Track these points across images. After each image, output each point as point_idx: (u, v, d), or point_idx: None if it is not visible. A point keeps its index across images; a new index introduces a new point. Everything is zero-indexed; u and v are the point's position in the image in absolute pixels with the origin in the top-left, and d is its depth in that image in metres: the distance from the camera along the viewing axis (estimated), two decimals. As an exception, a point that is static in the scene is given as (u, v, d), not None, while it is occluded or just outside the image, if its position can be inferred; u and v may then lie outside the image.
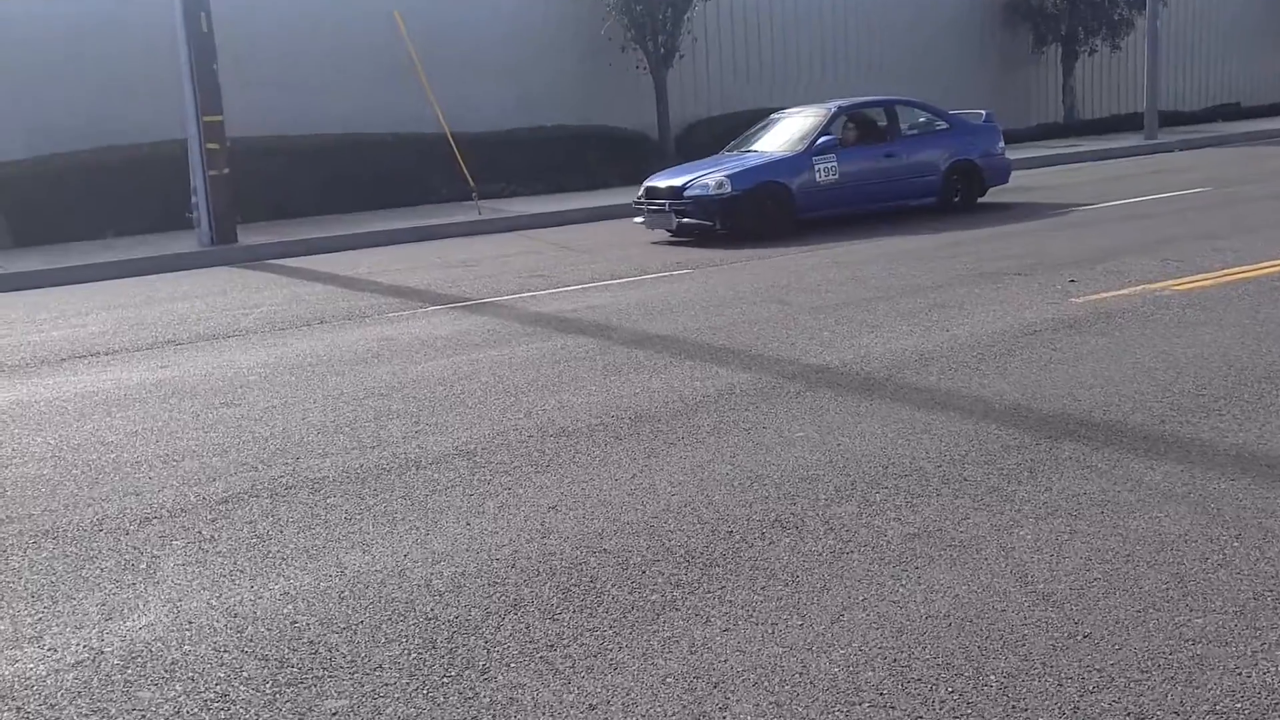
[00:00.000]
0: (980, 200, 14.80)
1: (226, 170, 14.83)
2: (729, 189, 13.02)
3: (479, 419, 6.04)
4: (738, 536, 4.16)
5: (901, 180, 14.07)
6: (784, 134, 14.23)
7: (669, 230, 13.51)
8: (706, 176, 13.26)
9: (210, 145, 14.49)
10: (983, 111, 15.35)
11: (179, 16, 14.13)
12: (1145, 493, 4.34)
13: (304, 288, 11.71)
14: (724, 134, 23.07)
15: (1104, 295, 8.33)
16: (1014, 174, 20.71)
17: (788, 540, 4.10)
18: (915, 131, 14.59)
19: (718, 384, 6.46)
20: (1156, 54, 25.58)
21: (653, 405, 6.09)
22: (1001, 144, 15.14)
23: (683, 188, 13.30)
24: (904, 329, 7.61)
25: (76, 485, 5.31)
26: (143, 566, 4.28)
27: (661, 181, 13.83)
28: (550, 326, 8.70)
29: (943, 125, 14.69)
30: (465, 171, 17.22)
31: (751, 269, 11.04)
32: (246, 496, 5.00)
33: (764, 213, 13.07)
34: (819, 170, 13.42)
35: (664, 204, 13.43)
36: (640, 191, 14.04)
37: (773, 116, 15.24)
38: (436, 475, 5.11)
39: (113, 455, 5.79)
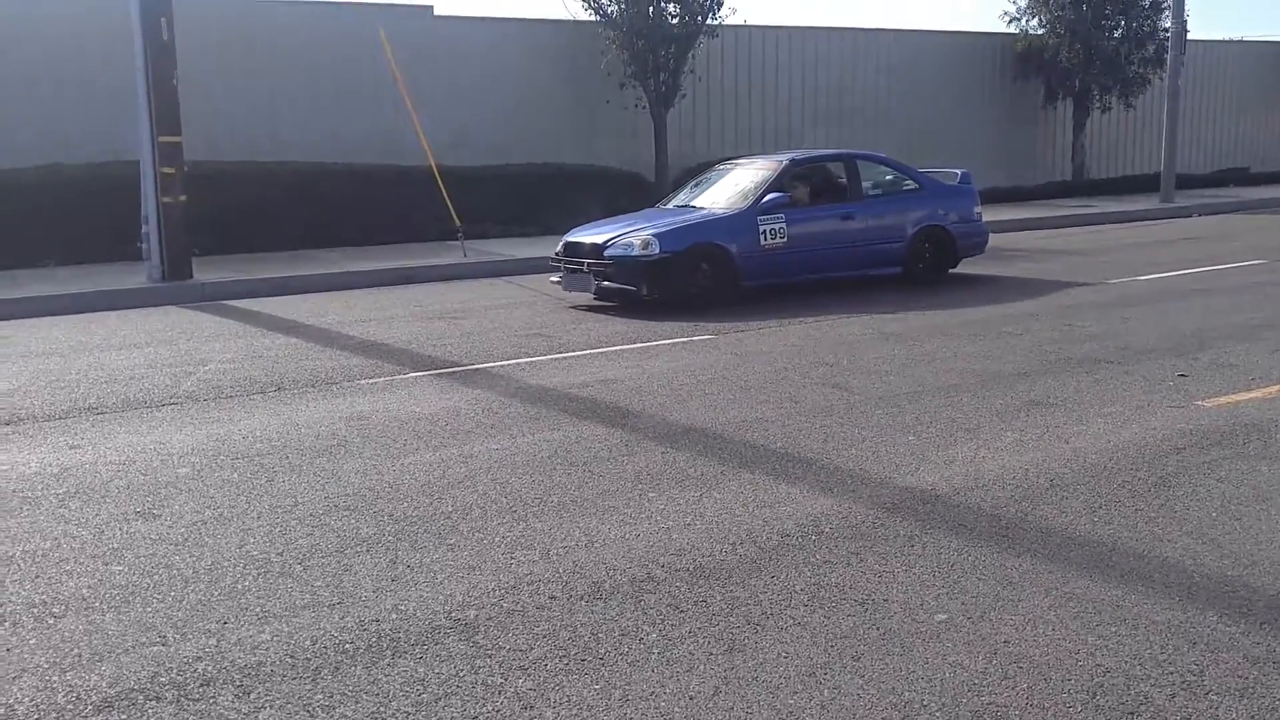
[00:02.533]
0: (952, 271, 13.03)
1: (183, 197, 13.20)
2: (656, 250, 11.07)
3: (479, 560, 4.44)
4: (916, 844, 2.59)
5: (861, 246, 12.22)
6: (729, 188, 12.33)
7: (590, 294, 11.55)
8: (632, 235, 11.36)
9: (165, 169, 12.86)
10: (958, 171, 13.57)
11: (136, 21, 12.54)
12: None
13: (263, 339, 10.07)
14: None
15: (1235, 398, 6.85)
16: (1027, 235, 19.51)
17: None
18: (879, 191, 12.77)
19: (795, 514, 4.89)
20: (1177, 112, 24.40)
21: (714, 547, 4.51)
22: (978, 208, 13.33)
23: (604, 246, 11.37)
24: (1010, 436, 6.08)
25: (-101, 657, 3.68)
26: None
27: (584, 237, 11.80)
28: (558, 408, 7.12)
29: (911, 185, 12.86)
30: (451, 209, 15.65)
31: (787, 336, 9.50)
32: (141, 698, 3.38)
33: (698, 279, 11.24)
34: (765, 231, 11.53)
35: (582, 264, 11.52)
36: (559, 247, 12.04)
37: (719, 167, 13.48)
38: (423, 670, 3.51)
39: (-33, 600, 4.15)
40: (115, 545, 4.72)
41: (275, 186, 16.64)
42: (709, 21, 20.95)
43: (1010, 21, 26.97)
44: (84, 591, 4.20)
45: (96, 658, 3.64)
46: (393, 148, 17.76)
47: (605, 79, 20.63)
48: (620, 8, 20.34)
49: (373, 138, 18.15)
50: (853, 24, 27.45)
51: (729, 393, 7.38)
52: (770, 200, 11.68)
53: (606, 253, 11.30)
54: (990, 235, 13.83)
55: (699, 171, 21.47)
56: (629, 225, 11.84)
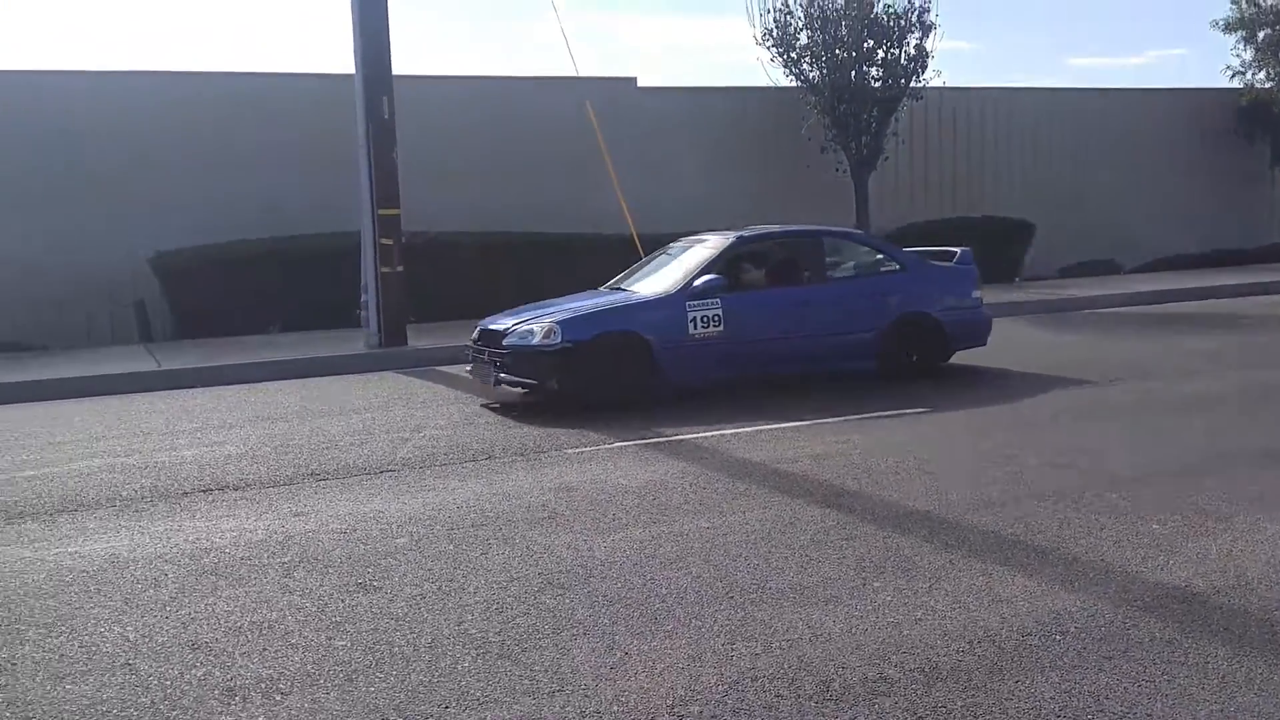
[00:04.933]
0: (947, 363, 11.29)
1: (400, 268, 13.70)
2: (559, 339, 9.68)
3: (698, 650, 4.27)
4: None
5: (820, 336, 10.56)
6: (672, 269, 10.81)
7: (491, 384, 10.20)
8: (535, 321, 9.98)
9: (384, 240, 13.39)
10: (957, 249, 11.63)
11: (359, 100, 13.18)
12: None
13: (474, 406, 10.25)
14: (926, 241, 21.19)
15: None
16: (1249, 300, 17.96)
17: None
18: (849, 273, 11.24)
19: (1034, 610, 4.54)
20: None
21: (949, 646, 4.21)
22: (977, 292, 11.36)
23: (504, 333, 10.04)
24: (1271, 529, 5.54)
25: (138, 727, 3.75)
26: None
27: (498, 323, 10.38)
28: (768, 484, 6.92)
29: (891, 266, 11.14)
30: (651, 276, 15.71)
31: (1002, 413, 9.06)
32: (365, 783, 3.33)
33: (610, 372, 9.75)
34: (694, 319, 10.03)
35: (484, 352, 10.23)
36: (474, 333, 10.69)
37: (672, 245, 11.72)
38: (649, 771, 3.35)
39: (197, 672, 4.22)
40: (338, 617, 4.76)
41: (487, 255, 17.10)
42: (913, 84, 20.64)
43: (1234, 76, 25.57)
44: (309, 667, 4.23)
45: (322, 739, 3.63)
46: (595, 216, 18.07)
47: (805, 144, 20.55)
48: (822, 73, 20.28)
49: (577, 206, 18.52)
50: (1061, 84, 26.50)
51: (949, 471, 7.03)
52: (703, 284, 10.16)
53: (505, 341, 9.95)
54: (993, 321, 11.62)
55: (896, 234, 21.12)
56: (547, 310, 10.45)
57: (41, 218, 16.41)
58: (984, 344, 11.46)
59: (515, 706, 3.82)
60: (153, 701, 3.96)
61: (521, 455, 8.02)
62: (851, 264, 11.41)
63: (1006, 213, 22.20)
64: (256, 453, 8.40)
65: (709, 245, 10.96)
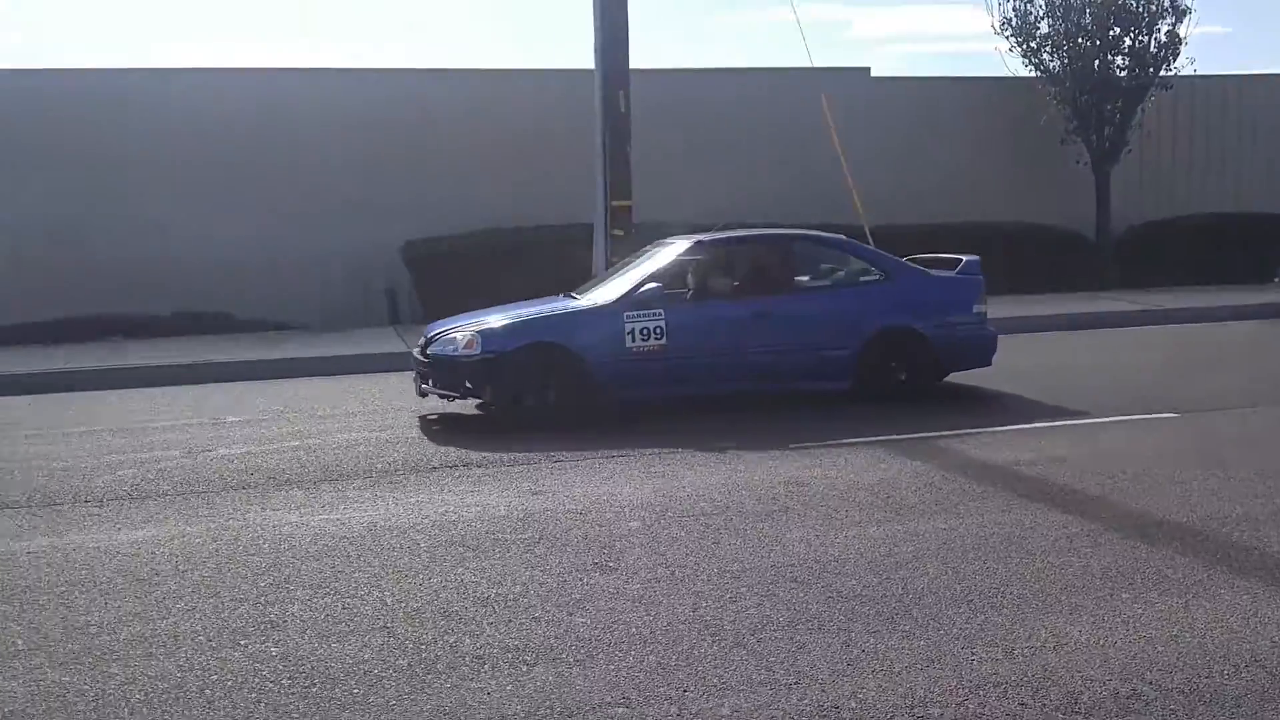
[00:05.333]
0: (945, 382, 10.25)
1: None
2: (479, 349, 9.07)
3: (936, 651, 4.20)
4: None
5: (782, 352, 9.57)
6: (625, 277, 10.04)
7: (420, 395, 9.66)
8: (460, 330, 9.41)
9: (616, 231, 13.64)
10: (962, 257, 10.28)
11: (597, 95, 13.45)
12: None
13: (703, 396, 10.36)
14: (1172, 239, 20.06)
15: None
16: None
17: None
18: (824, 282, 10.22)
19: (1305, 636, 4.26)
20: None
21: (1211, 667, 3.99)
22: (979, 306, 10.09)
23: (431, 340, 9.52)
24: None
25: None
26: None
27: (436, 329, 9.81)
28: (1004, 486, 6.72)
29: (874, 275, 10.03)
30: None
31: (1264, 418, 8.50)
32: (610, 758, 3.44)
33: (537, 386, 9.10)
34: (632, 332, 9.22)
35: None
36: (421, 339, 9.95)
37: (646, 249, 10.76)
38: (890, 770, 3.33)
39: (449, 639, 4.44)
40: (576, 594, 4.92)
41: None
42: (1162, 73, 19.57)
43: None
44: (551, 641, 4.40)
45: (567, 714, 3.77)
46: (827, 208, 17.86)
47: (1044, 135, 19.76)
48: (1063, 62, 19.48)
49: (809, 198, 18.35)
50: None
51: (1203, 481, 6.65)
52: (645, 292, 9.36)
53: (429, 350, 9.44)
54: (999, 339, 10.31)
55: (1141, 229, 20.06)
56: (482, 316, 9.79)
57: (306, 210, 17.56)
58: (987, 364, 10.17)
59: (752, 695, 3.86)
60: (409, 664, 4.20)
61: (751, 448, 8.04)
62: (827, 272, 10.44)
63: (1264, 208, 20.73)
64: (499, 431, 8.75)
65: (669, 249, 10.22)
